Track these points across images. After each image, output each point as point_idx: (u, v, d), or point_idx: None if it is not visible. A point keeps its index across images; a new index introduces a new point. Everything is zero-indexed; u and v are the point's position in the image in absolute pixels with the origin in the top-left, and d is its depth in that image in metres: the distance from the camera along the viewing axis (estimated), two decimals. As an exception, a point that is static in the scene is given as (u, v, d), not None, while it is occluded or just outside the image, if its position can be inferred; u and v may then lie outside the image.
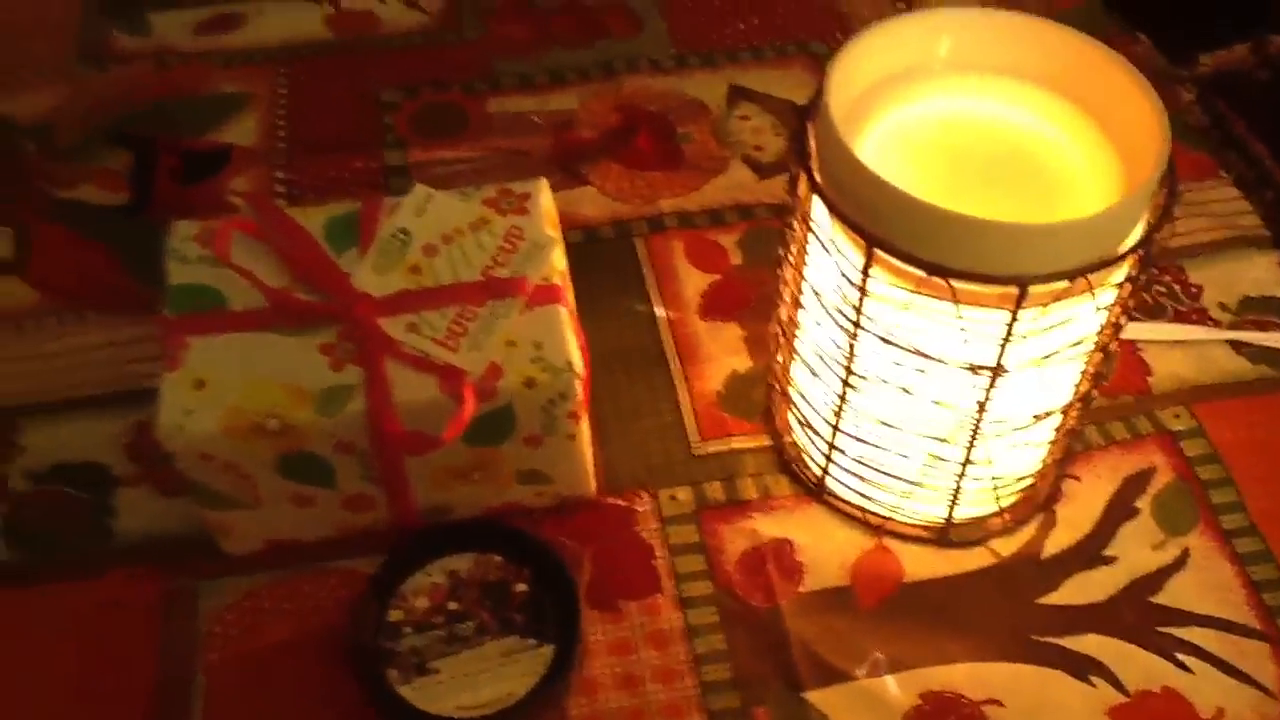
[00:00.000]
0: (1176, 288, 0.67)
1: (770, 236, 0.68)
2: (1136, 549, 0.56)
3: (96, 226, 0.70)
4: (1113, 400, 0.62)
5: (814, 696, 0.52)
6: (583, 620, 0.50)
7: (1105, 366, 0.51)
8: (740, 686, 0.52)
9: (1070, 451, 0.59)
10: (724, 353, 0.64)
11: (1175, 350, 0.64)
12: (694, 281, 0.67)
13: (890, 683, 0.52)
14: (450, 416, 0.49)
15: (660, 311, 0.66)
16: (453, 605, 0.50)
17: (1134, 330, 0.64)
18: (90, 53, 0.80)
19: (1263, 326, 0.65)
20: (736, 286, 0.67)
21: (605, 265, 0.68)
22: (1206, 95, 0.93)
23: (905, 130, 0.49)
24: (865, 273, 0.46)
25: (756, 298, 0.66)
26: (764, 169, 0.73)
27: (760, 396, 0.62)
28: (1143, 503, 0.58)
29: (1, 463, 0.59)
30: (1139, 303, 0.66)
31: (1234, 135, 0.93)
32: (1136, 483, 0.59)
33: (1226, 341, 0.64)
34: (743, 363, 0.63)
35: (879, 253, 0.45)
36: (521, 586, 0.51)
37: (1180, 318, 0.66)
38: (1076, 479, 0.59)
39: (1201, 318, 0.66)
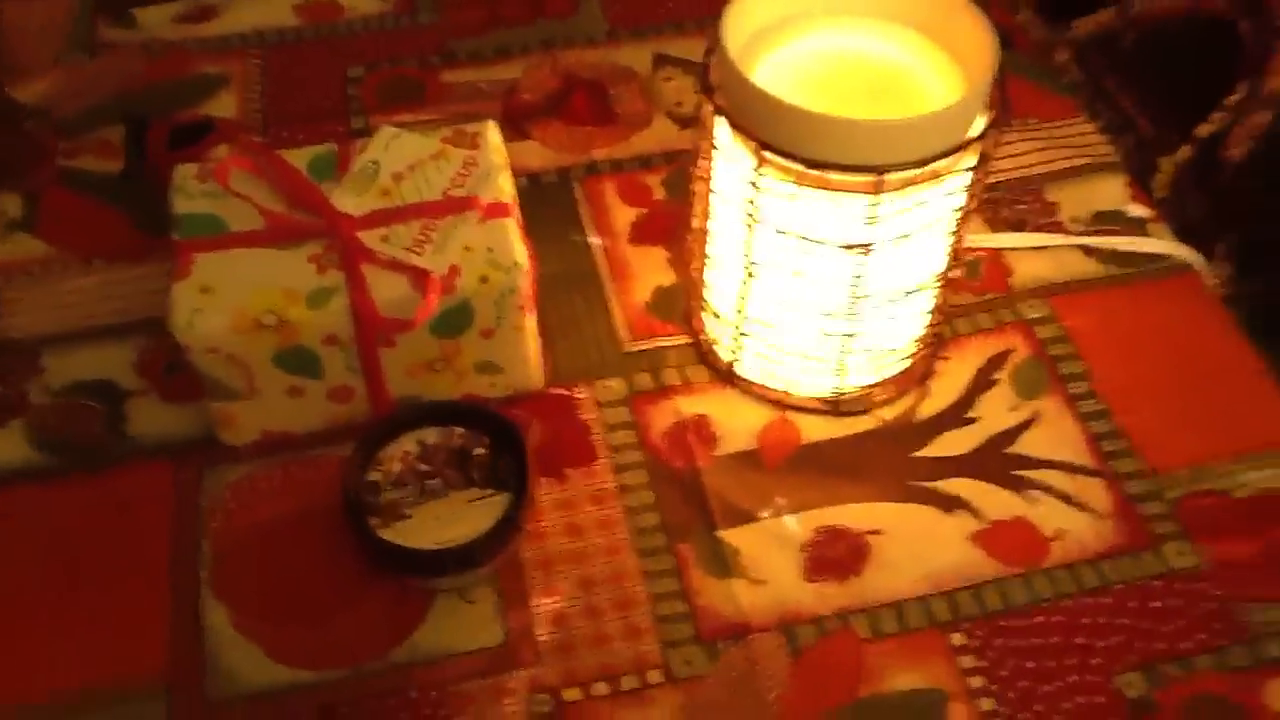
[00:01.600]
0: (1036, 206, 0.78)
1: (689, 178, 0.79)
2: (995, 411, 0.67)
3: (96, 188, 0.79)
4: (979, 297, 0.73)
5: (726, 534, 0.62)
6: (531, 474, 0.60)
7: (959, 247, 0.62)
8: (666, 530, 0.62)
9: (942, 337, 0.70)
10: (650, 271, 0.74)
11: (1034, 255, 0.75)
12: (624, 215, 0.78)
13: (790, 521, 0.62)
14: (419, 306, 0.59)
15: (595, 240, 0.76)
16: (422, 467, 0.60)
17: (998, 239, 0.75)
18: (82, 45, 0.90)
19: (1110, 234, 0.76)
20: (661, 218, 0.77)
21: (548, 204, 0.78)
22: (1081, 55, 1.05)
23: (789, 64, 0.60)
24: (758, 171, 0.56)
25: (678, 226, 0.76)
26: (685, 122, 0.83)
27: (681, 304, 0.72)
28: (1001, 375, 0.69)
29: (23, 382, 0.68)
30: (1004, 218, 0.77)
31: (1104, 89, 1.05)
32: (997, 361, 0.70)
33: (1078, 247, 0.76)
34: (667, 278, 0.74)
35: (767, 154, 0.55)
36: (480, 450, 0.61)
37: (1039, 230, 0.77)
38: (946, 359, 0.70)
39: (1058, 229, 0.77)
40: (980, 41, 0.55)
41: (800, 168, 0.54)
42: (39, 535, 0.62)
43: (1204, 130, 0.94)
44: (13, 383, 0.68)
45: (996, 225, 0.77)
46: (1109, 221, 0.77)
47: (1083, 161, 0.81)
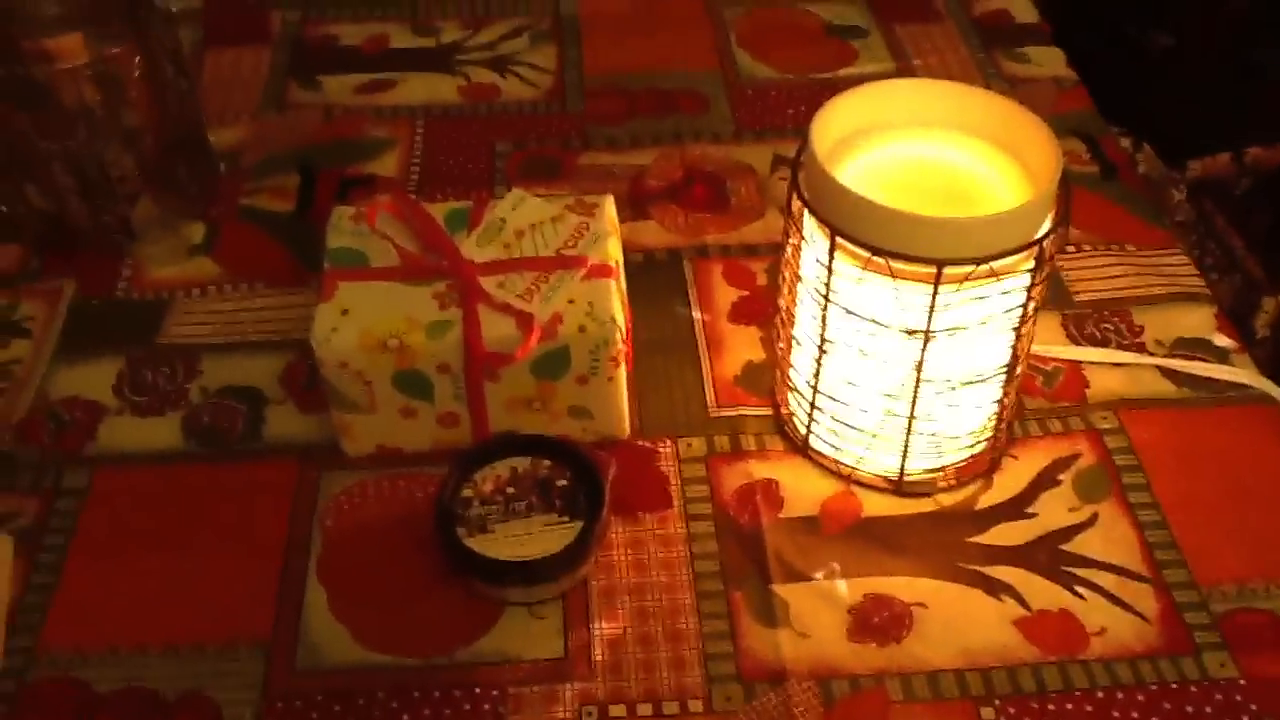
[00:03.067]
0: (1123, 326, 0.82)
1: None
2: (1055, 510, 0.70)
3: (268, 225, 0.90)
4: (1054, 404, 0.76)
5: (780, 589, 0.66)
6: (606, 508, 0.66)
7: (1024, 346, 0.66)
8: (724, 577, 0.67)
9: (1011, 435, 0.74)
10: (743, 347, 0.80)
11: (1113, 371, 0.78)
12: (726, 295, 0.84)
13: (840, 585, 0.67)
14: (520, 345, 0.66)
15: (697, 314, 0.83)
16: (510, 490, 0.67)
17: (1078, 352, 0.79)
18: (274, 103, 1.02)
19: (1189, 359, 0.79)
20: (759, 301, 0.84)
21: (659, 278, 0.85)
22: (1194, 195, 1.09)
23: (871, 166, 0.66)
24: (831, 254, 0.62)
25: (775, 309, 0.82)
26: (794, 217, 0.90)
27: (768, 379, 0.78)
28: (1065, 476, 0.72)
29: (185, 382, 0.78)
30: (1088, 334, 0.81)
31: (1215, 229, 1.08)
32: (1063, 464, 0.73)
33: (1157, 368, 0.79)
34: (757, 355, 0.80)
35: (839, 240, 0.61)
36: (563, 481, 0.67)
37: (1121, 348, 0.80)
38: (1014, 457, 0.73)
39: (1140, 350, 0.80)
40: (1046, 155, 0.61)
41: (866, 254, 0.60)
42: (180, 508, 0.71)
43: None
44: (176, 381, 0.78)
45: (1080, 340, 0.81)
46: (1192, 348, 0.80)
47: (1173, 290, 0.84)
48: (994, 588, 0.67)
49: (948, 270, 0.59)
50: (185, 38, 1.07)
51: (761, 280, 0.85)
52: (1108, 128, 1.00)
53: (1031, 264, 0.62)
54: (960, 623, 0.65)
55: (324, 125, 1.00)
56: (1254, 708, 0.61)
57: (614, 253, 0.72)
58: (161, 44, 0.85)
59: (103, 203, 0.85)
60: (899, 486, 0.71)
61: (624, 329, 0.69)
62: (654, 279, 0.85)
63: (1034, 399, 0.77)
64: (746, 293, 0.85)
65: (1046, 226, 0.61)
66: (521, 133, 0.99)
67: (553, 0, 1.14)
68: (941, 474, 0.71)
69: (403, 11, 1.12)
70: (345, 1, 1.13)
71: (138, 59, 0.81)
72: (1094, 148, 0.97)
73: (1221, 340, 0.81)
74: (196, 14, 1.12)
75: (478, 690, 0.62)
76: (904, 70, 1.05)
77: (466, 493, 0.67)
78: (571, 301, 0.68)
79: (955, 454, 0.70)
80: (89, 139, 0.82)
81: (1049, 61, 1.06)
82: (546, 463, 0.68)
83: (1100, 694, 0.62)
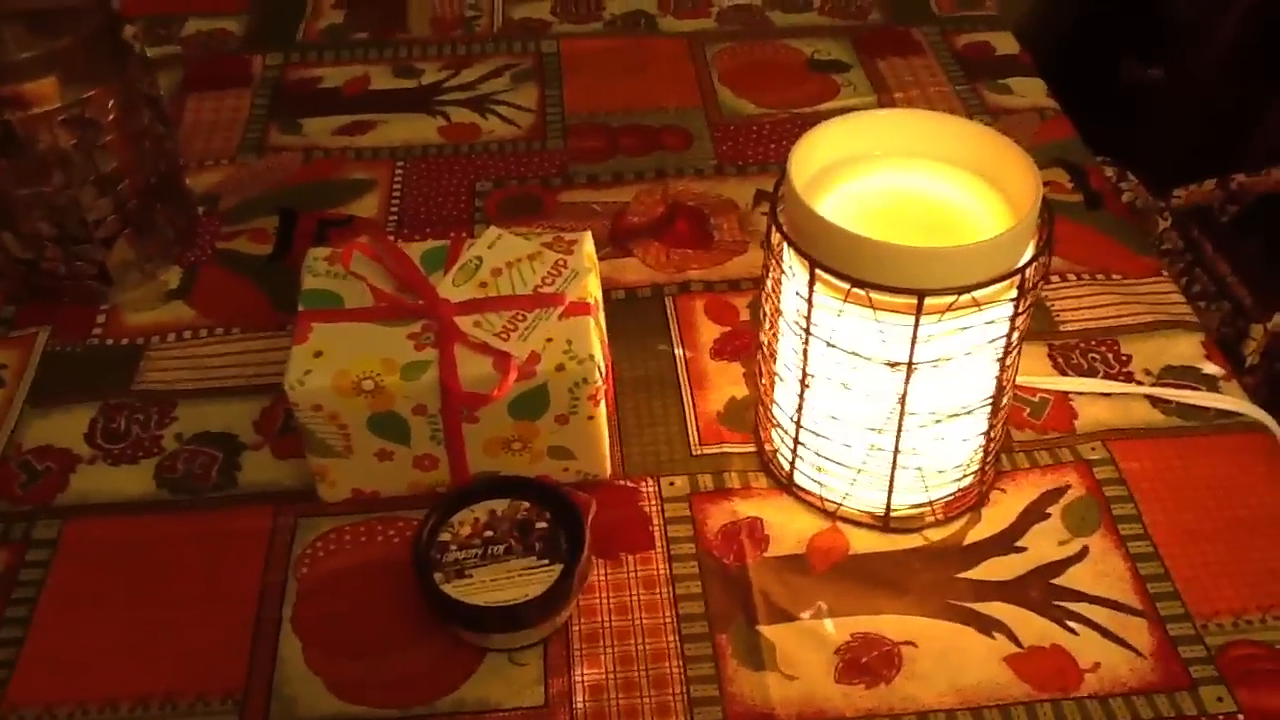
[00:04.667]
0: (1110, 355, 0.81)
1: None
2: (1045, 544, 0.69)
3: (246, 268, 0.89)
4: (1041, 435, 0.75)
5: (766, 630, 0.65)
6: (586, 550, 0.64)
7: (1008, 378, 0.65)
8: (709, 619, 0.65)
9: (998, 467, 0.72)
10: (727, 384, 0.79)
11: (1101, 400, 0.77)
12: (709, 331, 0.83)
13: (828, 624, 0.65)
14: (498, 384, 0.65)
15: (679, 351, 0.82)
16: (488, 533, 0.65)
17: (1065, 383, 0.78)
18: (253, 146, 1.02)
19: (1178, 387, 0.78)
20: (742, 336, 0.83)
21: (640, 316, 0.84)
22: (1181, 223, 1.08)
23: (851, 197, 0.65)
24: (811, 286, 0.61)
25: (756, 344, 0.81)
26: (776, 251, 0.90)
27: (751, 416, 0.77)
28: (1054, 509, 0.71)
29: (159, 428, 0.77)
30: (1074, 364, 0.80)
31: (1203, 257, 1.07)
32: (1052, 495, 0.72)
33: (1145, 397, 0.77)
34: (740, 391, 0.79)
35: (819, 272, 0.60)
36: (542, 524, 0.66)
37: (1109, 377, 0.79)
38: (1003, 490, 0.72)
39: (1127, 379, 0.79)
40: (1026, 182, 0.60)
41: (846, 286, 0.59)
42: (151, 557, 0.69)
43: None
44: (149, 428, 0.77)
45: (1067, 370, 0.80)
46: (1180, 376, 0.79)
47: (1160, 318, 0.83)
48: (985, 624, 0.65)
49: (929, 301, 0.58)
50: (166, 82, 1.07)
51: (744, 316, 0.84)
52: (1091, 157, 0.99)
53: (1014, 293, 0.61)
54: (951, 661, 0.63)
55: (304, 167, 0.99)
56: (1254, 744, 0.60)
57: (593, 290, 0.71)
58: (137, 88, 0.84)
59: (78, 249, 0.84)
60: (886, 522, 0.70)
61: (603, 367, 0.68)
62: (636, 316, 0.84)
63: (1021, 430, 0.76)
64: (729, 328, 0.84)
65: (1029, 255, 0.61)
66: (501, 171, 0.98)
67: (535, 39, 1.14)
68: (929, 509, 0.70)
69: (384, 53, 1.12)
70: (327, 44, 1.14)
71: (112, 103, 0.81)
72: (1078, 177, 0.96)
73: (1210, 368, 0.80)
74: (177, 59, 1.12)
75: (456, 741, 0.61)
76: (886, 104, 1.05)
77: (444, 537, 0.65)
78: (550, 340, 0.67)
79: (942, 488, 0.69)
80: (64, 184, 0.81)
81: (1031, 92, 1.06)
82: (525, 505, 0.66)
83: (1096, 733, 0.60)
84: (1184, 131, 1.30)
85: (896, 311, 0.59)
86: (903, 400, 0.63)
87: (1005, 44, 1.13)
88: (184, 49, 1.14)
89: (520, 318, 0.68)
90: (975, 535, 0.70)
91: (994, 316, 0.61)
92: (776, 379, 0.70)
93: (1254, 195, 1.03)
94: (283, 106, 1.06)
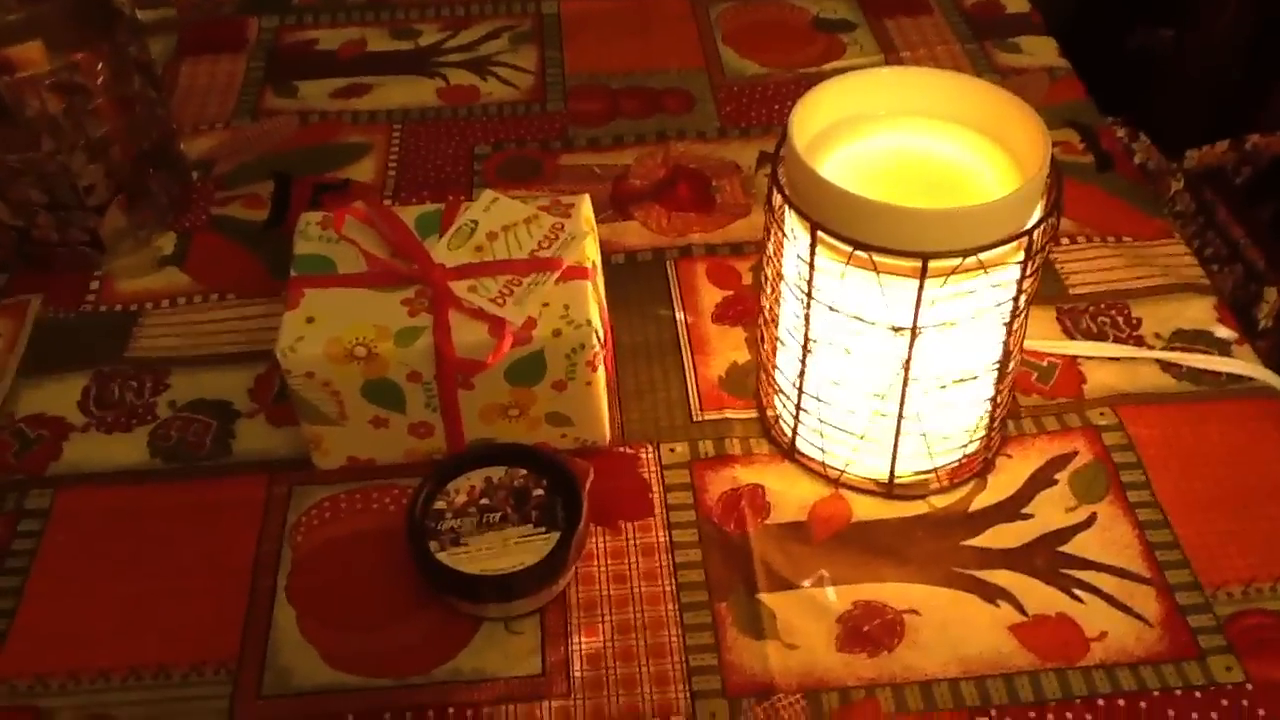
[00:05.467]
0: (1120, 319, 0.79)
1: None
2: (1052, 510, 0.68)
3: (241, 234, 0.88)
4: (1050, 400, 0.74)
5: (766, 598, 0.64)
6: (583, 518, 0.63)
7: (1015, 342, 0.63)
8: (708, 588, 0.64)
9: (1004, 433, 0.71)
10: (728, 348, 0.78)
11: (1111, 365, 0.76)
12: (711, 295, 0.82)
13: (830, 592, 0.64)
14: (493, 350, 0.64)
15: (680, 315, 0.80)
16: (484, 501, 0.64)
17: (1074, 347, 0.77)
18: (248, 110, 1.00)
19: (1189, 351, 0.76)
20: (745, 301, 0.81)
21: (641, 280, 0.83)
22: (1194, 185, 1.06)
23: (854, 158, 0.63)
24: (812, 249, 0.60)
25: (759, 309, 0.80)
26: (780, 215, 0.88)
27: (753, 382, 0.75)
28: (1062, 476, 0.69)
29: (153, 396, 0.76)
30: (1084, 328, 0.78)
31: (1215, 220, 1.05)
32: (1059, 462, 0.70)
33: (1156, 361, 0.76)
34: (742, 356, 0.77)
35: (821, 234, 0.59)
36: (539, 492, 0.65)
37: (1119, 342, 0.78)
38: (1009, 456, 0.71)
39: (1138, 343, 0.77)
40: (1034, 142, 0.58)
41: (849, 249, 0.57)
42: (144, 527, 0.68)
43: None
44: (143, 396, 0.76)
45: (1076, 334, 0.78)
46: (1191, 340, 0.78)
47: (1171, 281, 0.82)
48: (989, 592, 0.64)
49: (933, 264, 0.57)
50: (161, 46, 1.06)
51: (747, 280, 0.83)
52: (1102, 118, 0.97)
53: (1021, 256, 0.59)
54: (954, 630, 0.62)
55: (300, 131, 0.97)
56: (1262, 713, 0.59)
57: (591, 254, 0.70)
58: (127, 52, 0.83)
59: (70, 215, 0.83)
60: (889, 489, 0.68)
61: (601, 332, 0.67)
62: (637, 281, 0.83)
63: (1029, 396, 0.74)
64: (731, 293, 0.82)
65: (1036, 216, 0.59)
66: (500, 134, 0.97)
67: (535, 0, 1.12)
68: (933, 475, 0.69)
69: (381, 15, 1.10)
70: (323, 7, 1.12)
71: (101, 66, 0.79)
72: (1089, 138, 0.94)
73: (1222, 331, 0.78)
74: (173, 23, 1.11)
75: (452, 710, 0.60)
76: (893, 64, 1.02)
77: (439, 505, 0.64)
78: (546, 305, 0.66)
79: (947, 454, 0.68)
80: (54, 150, 0.80)
81: (1041, 51, 1.04)
82: (522, 472, 0.65)
83: (1101, 702, 0.59)
84: (1197, 94, 1.28)
85: (900, 275, 0.58)
86: (907, 365, 0.62)
87: (1015, 2, 1.10)
88: (179, 13, 1.12)
89: (516, 282, 0.67)
90: (981, 502, 0.68)
91: (1000, 280, 0.59)
92: (778, 344, 0.69)
93: (1268, 157, 1.01)
94: (278, 70, 1.04)
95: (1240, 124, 1.06)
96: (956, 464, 0.69)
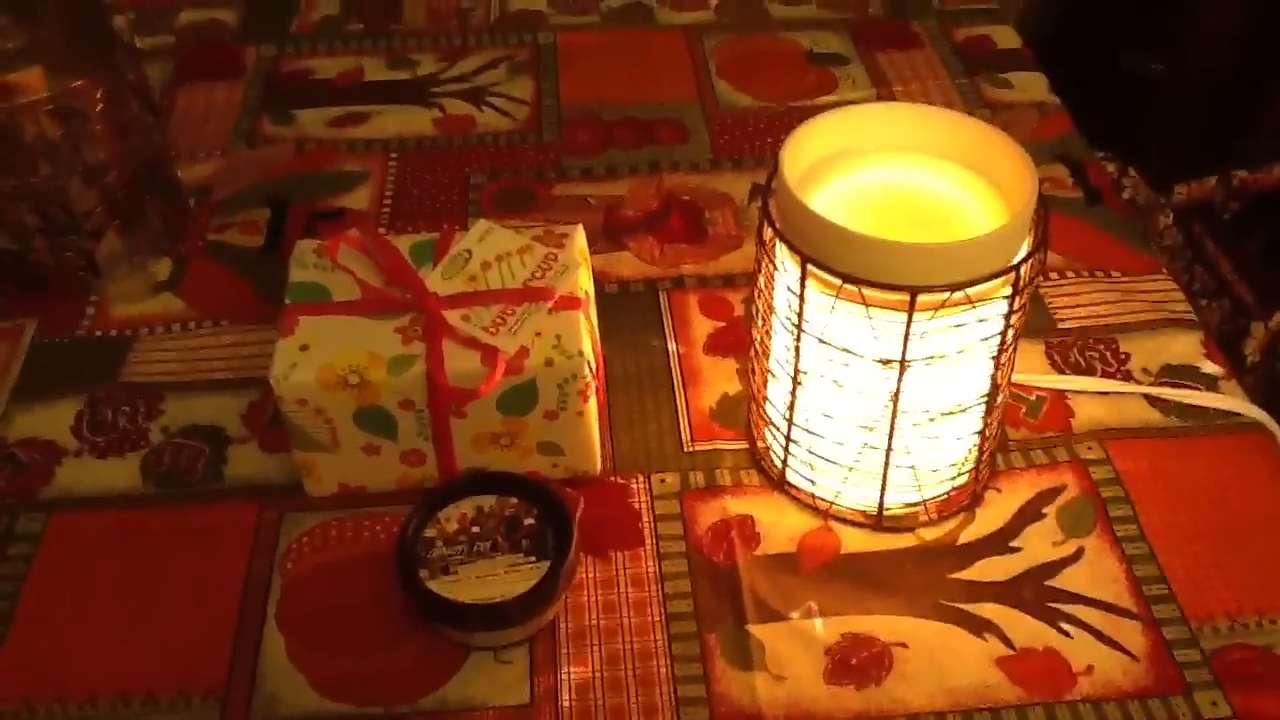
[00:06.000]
0: (1108, 354, 0.80)
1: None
2: (1039, 544, 0.68)
3: (236, 261, 0.88)
4: (1038, 434, 0.74)
5: (755, 630, 0.64)
6: (573, 548, 0.63)
7: (1003, 376, 0.64)
8: (697, 618, 0.65)
9: (993, 467, 0.71)
10: (720, 380, 0.78)
11: (1099, 400, 0.76)
12: (703, 326, 0.82)
13: (818, 624, 0.64)
14: (485, 379, 0.64)
15: (673, 346, 0.81)
16: (475, 529, 0.64)
17: (1062, 381, 0.77)
18: (245, 137, 1.01)
19: (1177, 387, 0.77)
20: (736, 332, 0.82)
21: (634, 310, 0.83)
22: (1182, 219, 1.07)
23: (844, 192, 0.64)
24: (802, 282, 0.60)
25: (750, 341, 0.80)
26: (772, 246, 0.89)
27: (744, 413, 0.76)
28: (1050, 510, 0.70)
29: (146, 421, 0.76)
30: (1072, 362, 0.79)
31: (1204, 254, 1.06)
32: (1047, 496, 0.71)
33: (1143, 396, 0.76)
34: (734, 388, 0.78)
35: (811, 267, 0.59)
36: (530, 521, 0.65)
37: (1107, 376, 0.78)
38: (997, 490, 0.71)
39: (1125, 378, 0.78)
40: (1021, 178, 0.59)
41: (838, 282, 0.58)
42: (134, 552, 0.68)
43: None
44: (137, 421, 0.76)
45: (1065, 369, 0.79)
46: (1179, 376, 0.78)
47: (1160, 316, 0.82)
48: (977, 626, 0.64)
49: (922, 297, 0.57)
50: (158, 73, 1.07)
51: (739, 311, 0.84)
52: (1092, 152, 0.98)
53: (1009, 290, 0.60)
54: (942, 662, 0.63)
55: (296, 158, 0.98)
56: (1249, 749, 0.59)
57: (584, 284, 0.70)
58: (125, 78, 0.83)
59: (66, 240, 0.83)
60: (878, 521, 0.69)
61: (593, 362, 0.67)
62: (629, 311, 0.83)
63: (1017, 429, 0.75)
64: (723, 323, 0.83)
65: (1024, 251, 0.60)
66: (495, 163, 0.97)
67: (531, 31, 1.13)
68: (922, 508, 0.69)
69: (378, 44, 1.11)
70: (321, 35, 1.13)
71: (99, 93, 0.80)
72: (1078, 173, 0.95)
73: (1210, 367, 0.79)
74: (171, 49, 1.12)
75: (440, 740, 0.60)
76: (885, 98, 1.04)
77: (429, 533, 0.64)
78: (539, 334, 0.66)
79: (936, 487, 0.68)
80: (51, 175, 0.80)
81: (1031, 87, 1.05)
82: (513, 501, 0.66)
83: (1088, 737, 0.60)
84: (1185, 123, 1.29)
85: (889, 308, 0.59)
86: (895, 398, 0.62)
87: (1006, 38, 1.12)
88: (177, 39, 1.13)
89: (509, 312, 0.67)
90: (969, 535, 0.69)
91: (988, 314, 0.60)
92: (769, 376, 0.69)
93: (1256, 192, 1.02)
94: (275, 97, 1.05)
95: (1227, 153, 1.07)
96: (945, 496, 0.69)
